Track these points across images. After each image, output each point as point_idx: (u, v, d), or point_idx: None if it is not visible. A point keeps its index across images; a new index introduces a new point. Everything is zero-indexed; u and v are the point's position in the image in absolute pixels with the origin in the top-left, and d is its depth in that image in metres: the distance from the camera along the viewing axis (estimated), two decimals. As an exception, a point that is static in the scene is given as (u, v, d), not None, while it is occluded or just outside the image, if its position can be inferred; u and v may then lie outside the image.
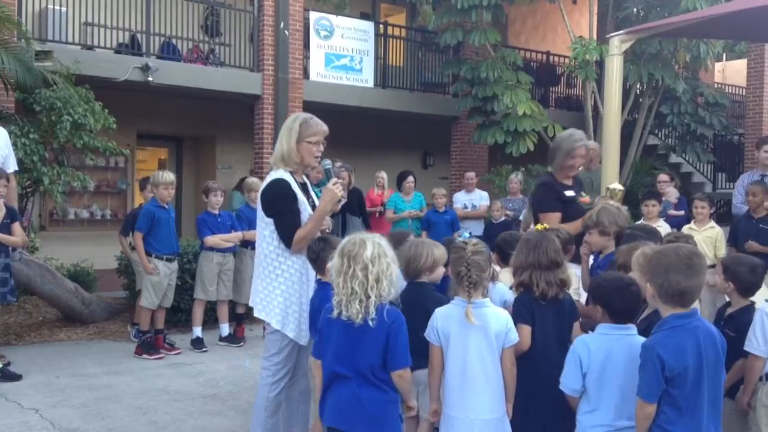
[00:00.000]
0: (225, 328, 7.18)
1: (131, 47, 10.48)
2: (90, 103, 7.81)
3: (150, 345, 6.62)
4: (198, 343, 6.86)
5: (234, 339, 7.14)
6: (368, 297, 2.85)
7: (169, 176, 6.68)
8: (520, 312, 3.30)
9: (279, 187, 3.78)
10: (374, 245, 2.91)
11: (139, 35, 10.47)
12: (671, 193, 7.81)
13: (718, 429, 2.70)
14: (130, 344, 6.91)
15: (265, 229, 3.82)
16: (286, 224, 3.76)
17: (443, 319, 3.17)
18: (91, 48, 10.05)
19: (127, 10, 10.14)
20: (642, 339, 2.78)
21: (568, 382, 2.95)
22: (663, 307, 2.72)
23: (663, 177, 8.14)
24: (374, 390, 2.92)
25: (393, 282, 2.92)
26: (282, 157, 3.85)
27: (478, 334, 3.12)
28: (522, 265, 3.39)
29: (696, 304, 3.00)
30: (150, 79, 9.78)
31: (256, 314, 3.97)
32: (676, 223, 6.80)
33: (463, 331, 3.12)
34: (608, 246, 4.12)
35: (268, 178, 3.86)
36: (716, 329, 2.75)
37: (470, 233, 4.09)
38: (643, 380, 2.63)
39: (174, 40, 10.87)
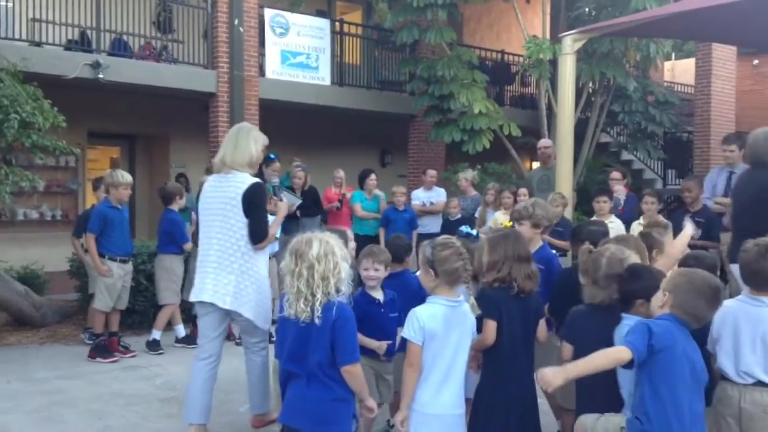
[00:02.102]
0: (181, 329, 7.07)
1: (81, 44, 10.25)
2: (38, 101, 7.60)
3: (104, 348, 6.48)
4: (154, 345, 6.75)
5: (191, 340, 7.03)
6: (314, 295, 2.86)
7: (127, 176, 6.56)
8: (488, 307, 3.35)
9: (263, 190, 4.23)
10: (321, 243, 2.92)
11: (89, 31, 10.25)
12: (620, 190, 8.00)
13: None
14: (84, 348, 6.76)
15: (242, 228, 4.14)
16: (264, 224, 4.22)
17: (429, 318, 3.12)
18: (39, 44, 9.79)
19: (76, 5, 9.90)
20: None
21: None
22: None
23: (615, 174, 8.32)
24: (321, 388, 2.93)
25: (342, 280, 2.92)
26: (250, 162, 4.22)
27: (460, 330, 3.18)
28: (501, 259, 3.43)
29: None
30: (101, 76, 9.58)
31: (226, 306, 4.22)
32: (624, 219, 6.96)
33: (447, 329, 3.14)
34: (535, 239, 4.22)
35: (247, 181, 4.14)
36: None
37: (468, 227, 4.21)
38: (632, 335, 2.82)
39: (125, 37, 10.67)
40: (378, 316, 3.95)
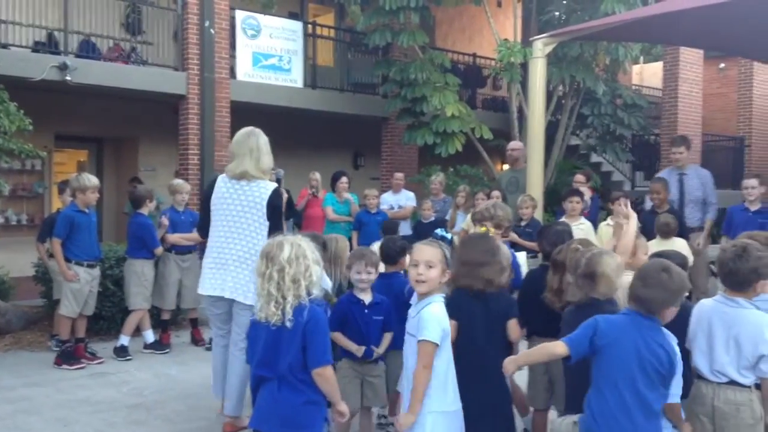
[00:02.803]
0: (149, 335, 6.97)
1: (48, 45, 10.10)
2: (4, 104, 7.47)
3: (70, 355, 6.36)
4: (122, 352, 6.64)
5: (159, 346, 6.95)
6: (285, 298, 2.86)
7: (94, 180, 6.45)
8: (449, 307, 3.38)
9: (281, 194, 4.63)
10: (292, 246, 2.91)
11: (56, 33, 10.09)
12: (585, 192, 8.17)
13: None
14: (50, 354, 6.63)
15: (264, 230, 4.44)
16: (281, 225, 4.62)
17: (444, 317, 3.22)
18: (5, 46, 9.61)
19: (43, 6, 9.76)
20: None
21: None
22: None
23: (579, 177, 8.45)
24: (291, 391, 2.91)
25: (313, 283, 2.92)
26: (267, 170, 4.62)
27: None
28: (455, 263, 3.49)
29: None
30: (68, 78, 9.43)
31: (247, 301, 4.31)
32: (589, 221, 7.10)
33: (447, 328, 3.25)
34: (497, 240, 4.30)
35: (270, 187, 4.53)
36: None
37: (444, 230, 4.27)
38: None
39: (93, 39, 10.52)
40: (360, 317, 3.97)
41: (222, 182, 4.59)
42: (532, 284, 3.95)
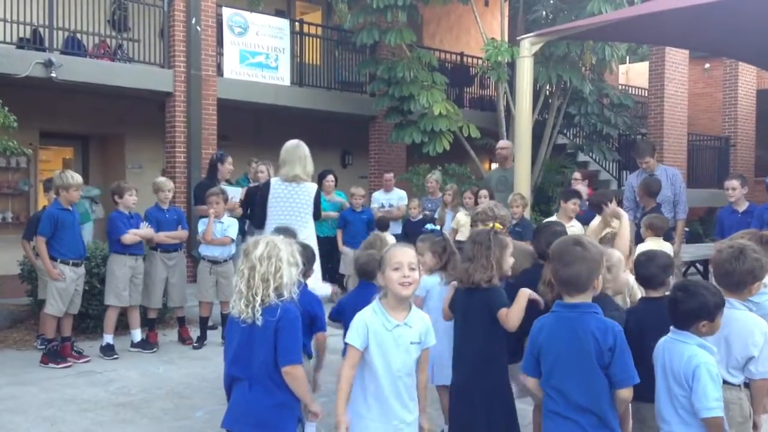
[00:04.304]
0: (137, 334, 6.93)
1: (33, 42, 10.01)
2: (-12, 101, 7.41)
3: (56, 353, 6.32)
4: (108, 350, 6.60)
5: (146, 345, 6.91)
6: (255, 297, 2.84)
7: (77, 177, 6.40)
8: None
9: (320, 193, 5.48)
10: (267, 245, 2.90)
11: (41, 29, 10.00)
12: (582, 190, 8.18)
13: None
14: (36, 353, 6.58)
15: (311, 222, 5.47)
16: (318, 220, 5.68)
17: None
18: (-12, 42, 9.52)
19: (28, 2, 9.66)
20: None
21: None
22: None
23: (576, 174, 8.49)
24: (264, 393, 2.89)
25: (284, 285, 2.89)
26: (311, 173, 5.58)
27: None
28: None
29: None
30: (53, 75, 9.35)
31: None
32: (584, 220, 7.09)
33: None
34: None
35: (314, 187, 5.57)
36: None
37: (433, 226, 4.31)
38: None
39: (79, 35, 10.44)
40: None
41: (276, 184, 5.51)
42: (527, 282, 3.93)
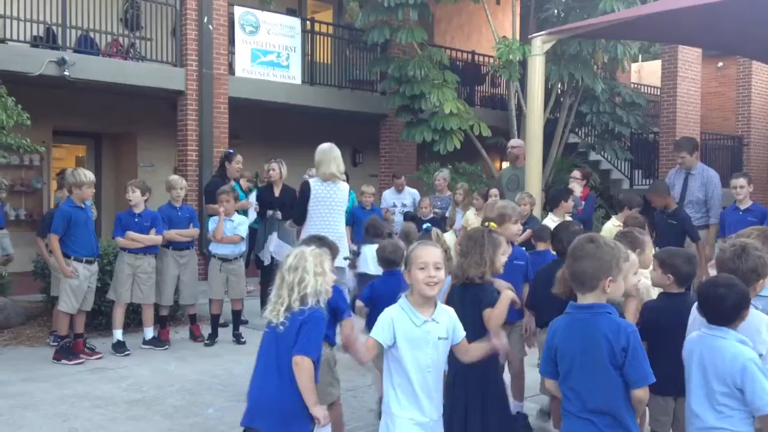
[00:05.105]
0: (149, 332, 6.96)
1: (46, 40, 10.08)
2: (2, 99, 7.47)
3: (69, 350, 6.36)
4: (119, 347, 6.64)
5: (158, 342, 6.95)
6: (282, 303, 3.04)
7: (89, 175, 6.44)
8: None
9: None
10: (296, 257, 3.10)
11: (54, 28, 10.07)
12: (578, 189, 8.18)
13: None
14: (48, 350, 6.63)
15: (344, 218, 6.05)
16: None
17: None
18: (3, 41, 9.60)
19: (42, 1, 9.72)
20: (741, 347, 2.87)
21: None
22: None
23: (575, 173, 8.43)
24: (280, 388, 2.99)
25: (308, 294, 3.04)
26: (343, 172, 6.01)
27: None
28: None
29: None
30: (66, 73, 9.42)
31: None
32: (581, 220, 7.06)
33: None
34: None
35: (347, 186, 6.11)
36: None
37: (430, 225, 4.38)
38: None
39: (92, 34, 10.51)
40: None
41: (316, 184, 5.91)
42: (544, 278, 4.04)
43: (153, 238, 6.77)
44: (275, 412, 2.99)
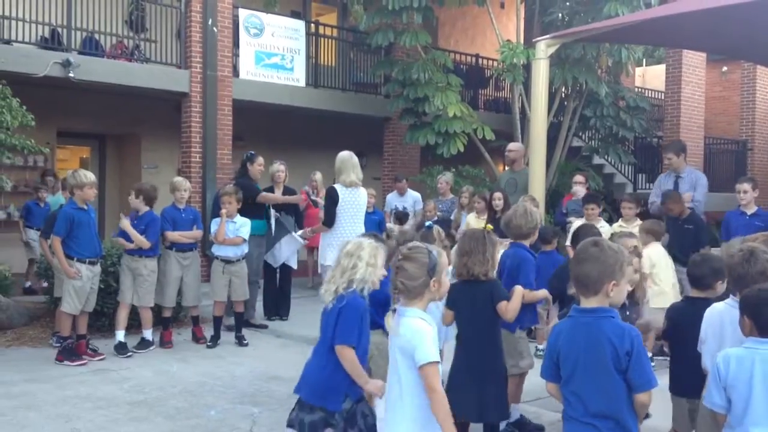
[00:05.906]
0: (147, 334, 6.92)
1: (51, 42, 10.10)
2: (7, 100, 7.48)
3: (72, 351, 6.37)
4: (122, 348, 6.64)
5: (161, 343, 6.94)
6: (334, 284, 3.27)
7: (90, 175, 6.45)
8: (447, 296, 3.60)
9: None
10: (354, 245, 3.34)
11: (59, 29, 10.10)
12: (579, 192, 8.24)
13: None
14: (51, 350, 6.64)
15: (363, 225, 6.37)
16: None
17: None
18: (8, 42, 9.63)
19: (47, 3, 9.76)
20: None
21: (711, 398, 2.93)
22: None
23: (578, 177, 8.51)
24: (318, 364, 3.26)
25: (357, 279, 3.22)
26: (361, 178, 6.42)
27: (395, 345, 3.04)
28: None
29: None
30: (71, 75, 9.45)
31: None
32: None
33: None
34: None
35: (365, 191, 6.62)
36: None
37: (431, 223, 4.48)
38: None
39: (97, 36, 10.54)
40: None
41: (342, 190, 6.30)
42: (564, 275, 4.06)
43: (140, 238, 6.69)
44: (310, 384, 3.27)
